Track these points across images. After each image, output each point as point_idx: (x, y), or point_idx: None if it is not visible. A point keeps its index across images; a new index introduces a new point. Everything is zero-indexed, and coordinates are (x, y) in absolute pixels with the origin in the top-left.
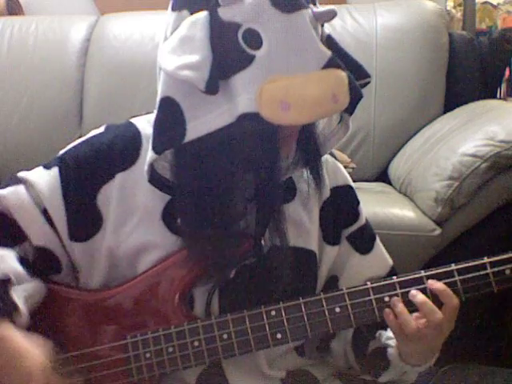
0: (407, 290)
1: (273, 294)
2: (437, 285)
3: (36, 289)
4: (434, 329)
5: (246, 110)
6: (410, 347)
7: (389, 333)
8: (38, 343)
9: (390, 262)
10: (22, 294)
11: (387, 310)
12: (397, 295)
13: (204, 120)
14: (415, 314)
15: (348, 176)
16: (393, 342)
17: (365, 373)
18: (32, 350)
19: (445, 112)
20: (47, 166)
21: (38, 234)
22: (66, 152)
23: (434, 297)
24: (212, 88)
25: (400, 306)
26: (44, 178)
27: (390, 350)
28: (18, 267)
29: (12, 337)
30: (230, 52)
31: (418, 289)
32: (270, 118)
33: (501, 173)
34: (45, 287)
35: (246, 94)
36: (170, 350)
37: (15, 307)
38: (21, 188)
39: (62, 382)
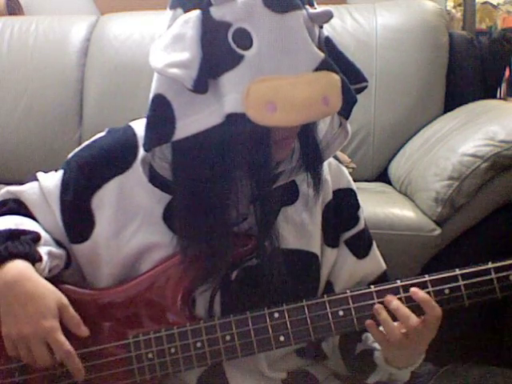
0: (410, 294)
1: (274, 296)
2: (420, 294)
3: (59, 255)
4: (410, 335)
5: (232, 109)
6: (393, 354)
7: None
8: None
9: (383, 266)
10: (47, 251)
11: (369, 321)
12: (400, 299)
13: (193, 119)
14: (399, 323)
15: (351, 179)
16: (378, 346)
17: (353, 375)
18: (50, 287)
19: (445, 112)
20: (57, 169)
21: (50, 227)
22: (72, 156)
23: (416, 306)
24: (200, 87)
25: (383, 314)
26: (51, 179)
27: (376, 353)
28: (45, 233)
29: (32, 273)
30: (219, 51)
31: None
32: (256, 118)
33: (501, 173)
34: (65, 259)
35: (233, 93)
36: (173, 350)
37: (39, 258)
38: (36, 184)
39: (78, 318)
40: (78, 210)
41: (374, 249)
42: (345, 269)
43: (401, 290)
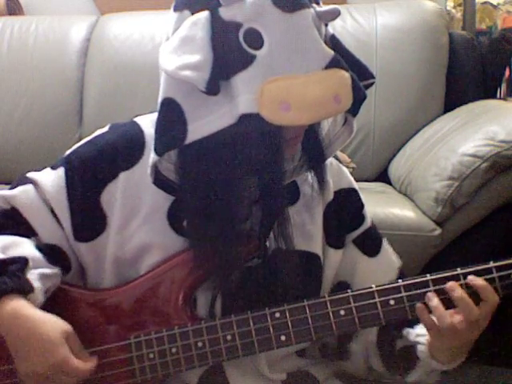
0: (411, 293)
1: (276, 296)
2: (479, 281)
3: (53, 274)
4: (469, 325)
5: (246, 110)
6: (443, 343)
7: (417, 330)
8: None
9: (398, 263)
10: (38, 276)
11: (420, 305)
12: (401, 298)
13: (205, 121)
14: (450, 311)
15: (352, 179)
16: (423, 339)
17: (391, 373)
18: (49, 317)
19: (445, 112)
20: (54, 167)
21: (47, 232)
22: (71, 152)
23: (473, 293)
24: (213, 88)
25: (435, 301)
26: (50, 178)
27: (421, 347)
28: (35, 252)
29: (27, 308)
30: (230, 52)
31: (422, 292)
32: (271, 118)
33: (501, 173)
34: (61, 275)
35: (246, 94)
36: (174, 350)
37: (31, 288)
38: (30, 187)
39: (81, 347)
40: (89, 208)
41: (385, 246)
42: (358, 268)
43: (402, 290)
